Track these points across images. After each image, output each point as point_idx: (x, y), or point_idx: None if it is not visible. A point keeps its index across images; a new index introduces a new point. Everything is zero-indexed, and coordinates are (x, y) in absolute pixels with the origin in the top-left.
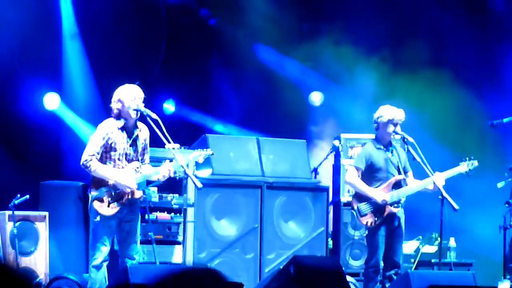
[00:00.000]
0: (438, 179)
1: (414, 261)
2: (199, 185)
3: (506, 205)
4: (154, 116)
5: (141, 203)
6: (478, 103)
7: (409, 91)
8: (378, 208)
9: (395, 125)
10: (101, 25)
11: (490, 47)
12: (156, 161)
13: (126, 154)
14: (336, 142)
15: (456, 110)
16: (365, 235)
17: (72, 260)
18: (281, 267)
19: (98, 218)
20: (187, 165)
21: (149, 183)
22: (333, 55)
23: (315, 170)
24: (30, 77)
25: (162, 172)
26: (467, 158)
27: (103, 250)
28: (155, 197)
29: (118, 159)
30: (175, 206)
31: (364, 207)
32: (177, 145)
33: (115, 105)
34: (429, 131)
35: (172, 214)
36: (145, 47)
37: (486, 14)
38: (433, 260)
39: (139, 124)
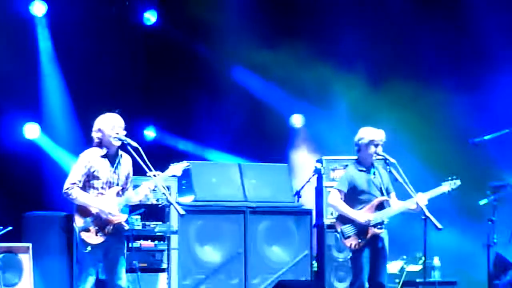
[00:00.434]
0: (421, 199)
1: (399, 281)
2: (182, 212)
3: (489, 222)
4: (135, 144)
5: (126, 230)
6: (459, 121)
7: (389, 110)
8: (361, 230)
9: (376, 146)
10: (80, 53)
11: (469, 62)
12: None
13: (109, 182)
14: (318, 165)
15: (437, 128)
16: (349, 257)
17: None
18: None
19: (89, 249)
20: (169, 190)
21: (132, 211)
22: (312, 76)
23: (298, 194)
24: (9, 108)
25: (142, 192)
26: (450, 178)
27: (90, 281)
28: (138, 225)
29: (102, 187)
30: (158, 234)
31: (347, 229)
32: (159, 173)
33: (95, 135)
34: (410, 150)
35: (156, 241)
36: (125, 74)
37: (464, 25)
38: (417, 280)
39: (123, 153)
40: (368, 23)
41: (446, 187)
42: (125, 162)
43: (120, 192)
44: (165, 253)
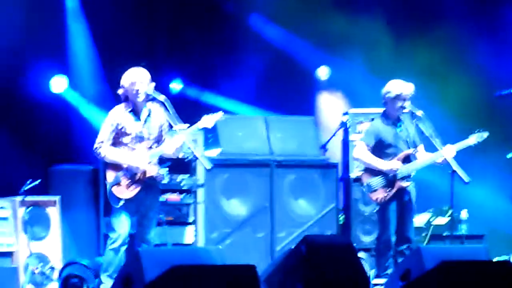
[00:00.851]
0: (448, 152)
1: (426, 234)
2: (208, 166)
3: None
4: (161, 98)
5: (159, 183)
6: (486, 75)
7: (416, 64)
8: (388, 183)
9: (403, 100)
10: (106, 5)
11: (495, 19)
12: None
13: (139, 137)
14: (344, 118)
15: (464, 83)
16: (375, 210)
17: (84, 244)
18: (293, 246)
19: (121, 203)
20: (196, 143)
21: (160, 163)
22: (340, 28)
23: (324, 147)
24: (36, 61)
25: (174, 144)
26: (477, 130)
27: (123, 234)
28: (165, 179)
29: (131, 142)
30: (185, 187)
31: (374, 182)
32: (186, 126)
33: (120, 91)
34: (438, 103)
35: (182, 195)
36: (151, 27)
37: None
38: (444, 233)
39: (151, 105)
40: None
41: (474, 139)
42: (156, 113)
43: (154, 146)
44: (192, 206)
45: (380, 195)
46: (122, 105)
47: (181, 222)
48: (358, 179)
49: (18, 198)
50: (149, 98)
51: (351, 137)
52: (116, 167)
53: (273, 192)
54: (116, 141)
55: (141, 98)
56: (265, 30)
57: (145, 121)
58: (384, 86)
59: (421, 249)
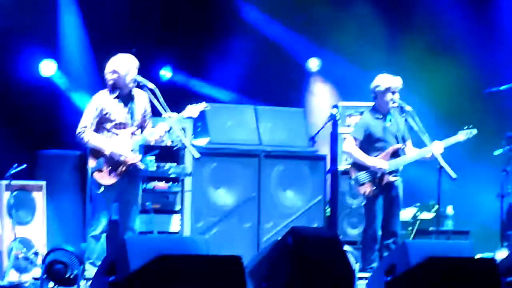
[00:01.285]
0: (436, 148)
1: (412, 229)
2: (197, 155)
3: (504, 172)
4: (151, 85)
5: (141, 171)
6: (475, 71)
7: (406, 59)
8: (376, 177)
9: (393, 93)
10: None
11: (486, 12)
12: None
13: (122, 123)
14: (334, 111)
15: (453, 78)
16: (363, 204)
17: (69, 230)
18: (279, 238)
19: (102, 189)
20: (184, 132)
21: (146, 153)
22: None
23: (313, 139)
24: (25, 44)
25: (157, 132)
26: (466, 127)
27: (102, 221)
28: (152, 167)
29: (115, 128)
30: (172, 176)
31: (362, 176)
32: (175, 114)
33: (110, 76)
34: (427, 100)
35: (170, 183)
36: (141, 14)
37: None
38: (430, 228)
39: (136, 91)
40: None
41: (462, 136)
42: (140, 99)
43: (137, 132)
44: (179, 195)
45: (368, 189)
46: (106, 90)
47: (168, 210)
48: (346, 172)
49: (4, 182)
50: (137, 85)
51: (340, 130)
52: (99, 153)
53: (261, 182)
54: (99, 127)
55: (131, 84)
56: (257, 20)
57: (130, 108)
58: (373, 80)
59: (407, 244)
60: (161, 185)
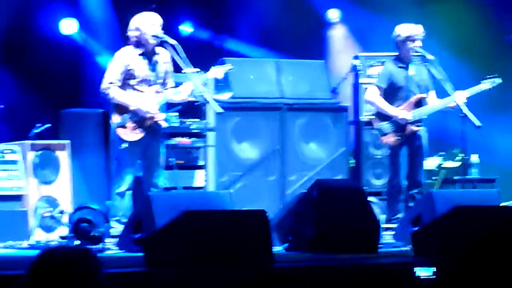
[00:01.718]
0: (460, 97)
1: (437, 178)
2: (219, 110)
3: None
4: (172, 41)
5: (164, 128)
6: (497, 18)
7: (431, 8)
8: (399, 127)
9: (414, 41)
10: None
11: None
12: (176, 86)
13: (147, 80)
14: (355, 61)
15: (475, 25)
16: (387, 154)
17: (95, 188)
18: (304, 191)
19: (124, 145)
20: (206, 86)
21: (170, 107)
22: None
23: (335, 90)
24: (46, 2)
25: (184, 92)
26: (490, 75)
27: (127, 178)
28: (175, 122)
29: (138, 85)
30: (195, 131)
31: (385, 126)
32: (196, 70)
33: (133, 33)
34: (449, 48)
35: (193, 138)
36: None
37: None
38: (455, 177)
39: (159, 49)
40: None
41: (486, 85)
42: (163, 58)
43: (160, 90)
44: (202, 150)
45: (391, 138)
46: (131, 47)
47: (192, 165)
48: (369, 123)
49: (28, 142)
50: (159, 42)
51: (362, 80)
52: (124, 108)
53: (284, 135)
54: (123, 83)
55: (153, 41)
56: None
57: (154, 65)
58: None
59: (432, 194)
60: (184, 140)
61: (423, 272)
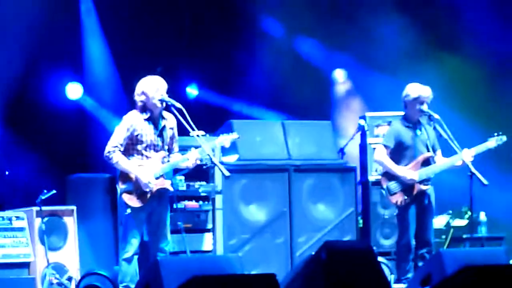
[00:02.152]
0: (466, 155)
1: (446, 237)
2: (226, 173)
3: None
4: (178, 105)
5: (170, 192)
6: (504, 77)
7: (436, 67)
8: (407, 187)
9: (422, 103)
10: (121, 10)
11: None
12: (182, 150)
13: (154, 145)
14: (362, 122)
15: (482, 84)
16: (395, 214)
17: (102, 253)
18: (313, 253)
19: (129, 211)
20: (214, 152)
21: (176, 172)
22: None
23: (342, 151)
24: (52, 67)
25: (191, 159)
26: (495, 134)
27: (134, 243)
28: (182, 186)
29: (145, 150)
30: (203, 194)
31: (393, 185)
32: (202, 132)
33: (139, 98)
34: (455, 107)
35: (200, 202)
36: (167, 31)
37: None
38: (464, 235)
39: (165, 113)
40: None
41: (492, 142)
42: (169, 123)
43: (166, 157)
44: (210, 213)
45: (400, 198)
46: (138, 111)
47: (200, 229)
48: (376, 183)
49: (35, 208)
50: (165, 106)
51: (369, 140)
52: (128, 175)
53: (292, 196)
54: (130, 148)
55: (159, 105)
56: (281, 33)
57: (160, 130)
58: (403, 89)
59: (442, 253)
60: (192, 204)
61: None
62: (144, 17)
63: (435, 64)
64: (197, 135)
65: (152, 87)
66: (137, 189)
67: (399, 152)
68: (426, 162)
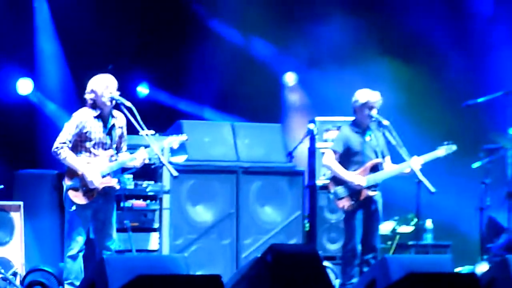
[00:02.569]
0: (415, 163)
1: (392, 243)
2: (175, 173)
3: (482, 185)
4: (128, 104)
5: (117, 191)
6: (453, 84)
7: (384, 73)
8: (355, 192)
9: (371, 108)
10: (74, 8)
11: (463, 24)
12: (131, 148)
13: (102, 143)
14: (311, 126)
15: (431, 91)
16: (342, 218)
17: (48, 250)
18: (258, 255)
19: (73, 208)
20: (162, 152)
21: (125, 170)
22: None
23: (290, 154)
24: (3, 62)
25: (139, 159)
26: (446, 143)
27: (79, 240)
28: (130, 185)
29: (94, 148)
30: (150, 193)
31: (340, 190)
32: (152, 132)
33: (89, 96)
34: (404, 114)
35: (148, 201)
36: (119, 30)
37: None
38: (410, 242)
39: (115, 112)
40: None
41: (442, 151)
42: (119, 122)
43: (114, 155)
44: (157, 212)
45: (347, 203)
46: (88, 109)
47: (146, 228)
48: (324, 187)
49: None
50: (115, 104)
51: (318, 144)
52: (75, 172)
53: (239, 198)
54: (78, 145)
55: (109, 103)
56: (232, 35)
57: (109, 128)
58: (353, 95)
59: (387, 259)
60: (139, 203)
61: None
62: (96, 15)
63: (387, 70)
64: (147, 135)
65: (102, 85)
66: (83, 186)
67: (347, 157)
68: (375, 168)
